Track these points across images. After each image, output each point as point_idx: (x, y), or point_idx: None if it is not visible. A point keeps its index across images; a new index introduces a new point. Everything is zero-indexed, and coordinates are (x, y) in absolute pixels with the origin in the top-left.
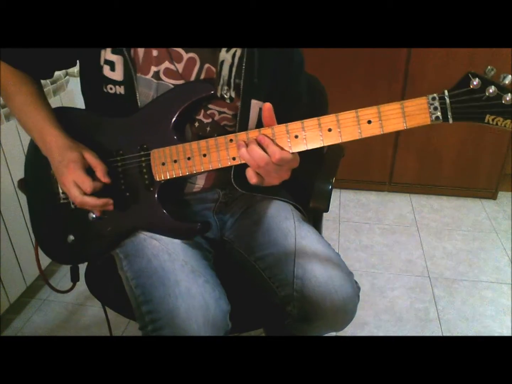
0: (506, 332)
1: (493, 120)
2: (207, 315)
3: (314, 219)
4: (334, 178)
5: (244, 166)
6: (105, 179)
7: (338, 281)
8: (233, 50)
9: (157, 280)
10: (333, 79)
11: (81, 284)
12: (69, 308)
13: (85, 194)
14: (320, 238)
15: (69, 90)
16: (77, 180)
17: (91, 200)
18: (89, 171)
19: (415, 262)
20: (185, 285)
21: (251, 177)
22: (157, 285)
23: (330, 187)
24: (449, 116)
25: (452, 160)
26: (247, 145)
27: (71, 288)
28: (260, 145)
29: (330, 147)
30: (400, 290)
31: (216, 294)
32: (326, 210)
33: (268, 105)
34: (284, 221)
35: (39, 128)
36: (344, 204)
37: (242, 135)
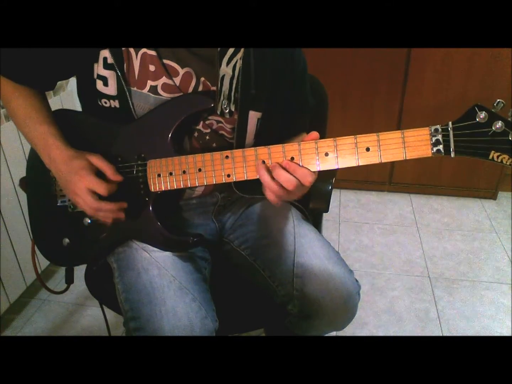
0: (506, 332)
1: (498, 157)
2: (191, 335)
3: (314, 219)
4: (334, 178)
5: None
6: (116, 177)
7: (338, 279)
8: (233, 62)
9: (145, 297)
10: (333, 79)
11: (81, 284)
12: (69, 308)
13: (100, 199)
14: (319, 236)
15: (69, 91)
16: (91, 185)
17: (107, 205)
18: (99, 175)
19: (415, 262)
20: (171, 304)
21: (273, 200)
22: (144, 302)
23: (330, 187)
24: (451, 150)
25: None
26: (268, 170)
27: (66, 289)
28: (285, 169)
29: None
30: (400, 290)
31: (203, 313)
32: (326, 210)
33: (315, 134)
34: (283, 220)
35: (42, 141)
36: (344, 204)
37: (238, 152)
